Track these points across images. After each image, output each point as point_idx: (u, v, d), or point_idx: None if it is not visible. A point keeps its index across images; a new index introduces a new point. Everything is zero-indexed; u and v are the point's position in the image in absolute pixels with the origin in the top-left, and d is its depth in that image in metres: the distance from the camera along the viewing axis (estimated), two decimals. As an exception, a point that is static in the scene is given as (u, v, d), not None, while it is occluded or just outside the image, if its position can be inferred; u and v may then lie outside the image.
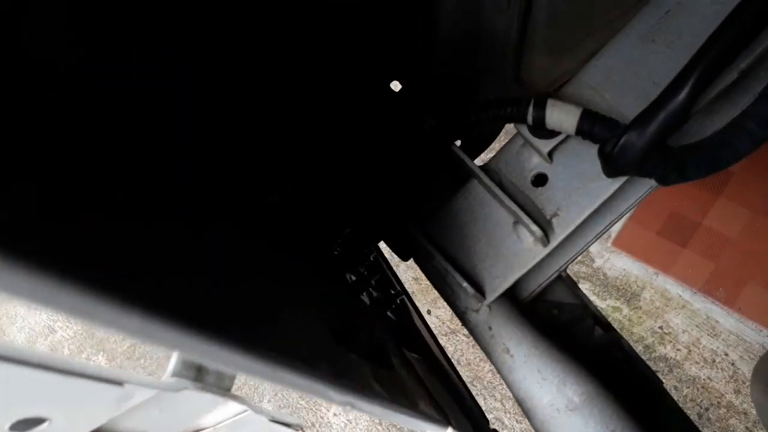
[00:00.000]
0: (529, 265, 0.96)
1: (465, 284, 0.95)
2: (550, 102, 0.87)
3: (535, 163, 0.99)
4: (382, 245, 1.45)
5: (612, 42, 0.97)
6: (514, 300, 1.01)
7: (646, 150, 0.79)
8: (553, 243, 0.95)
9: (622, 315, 2.59)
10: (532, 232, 0.95)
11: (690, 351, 2.41)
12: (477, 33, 1.28)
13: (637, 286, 2.59)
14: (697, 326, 2.44)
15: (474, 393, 2.72)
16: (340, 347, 0.61)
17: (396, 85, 1.54)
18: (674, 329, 2.47)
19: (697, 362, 2.39)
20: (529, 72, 1.39)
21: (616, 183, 0.93)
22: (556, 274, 1.10)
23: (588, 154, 0.96)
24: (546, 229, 0.95)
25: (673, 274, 2.53)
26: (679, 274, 2.52)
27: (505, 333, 0.95)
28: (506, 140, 1.08)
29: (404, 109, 1.33)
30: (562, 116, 0.87)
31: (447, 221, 1.04)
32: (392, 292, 1.19)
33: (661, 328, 2.50)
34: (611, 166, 0.83)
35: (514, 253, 0.98)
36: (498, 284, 0.97)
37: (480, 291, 0.97)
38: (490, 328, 0.97)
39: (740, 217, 2.48)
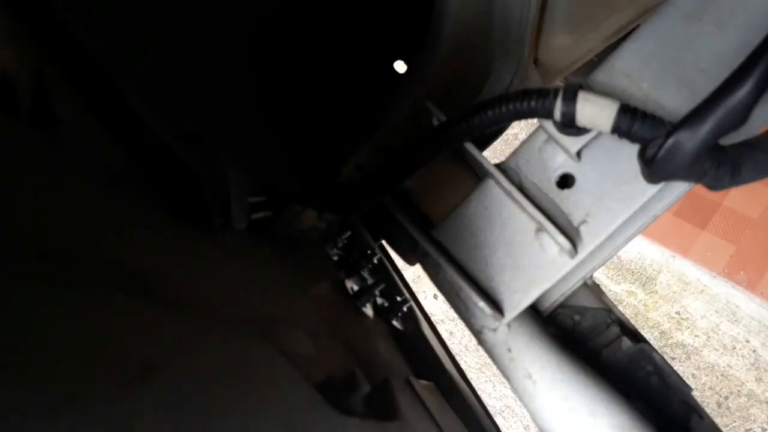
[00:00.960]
0: (554, 279, 0.85)
1: (481, 303, 0.84)
2: (581, 95, 0.75)
3: (561, 162, 0.87)
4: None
5: (649, 21, 0.84)
6: (535, 315, 0.90)
7: (698, 154, 0.67)
8: (582, 254, 0.84)
9: (637, 300, 2.49)
10: (557, 242, 0.84)
11: (709, 337, 2.32)
12: (490, 8, 1.15)
13: (653, 270, 2.48)
14: (716, 311, 2.33)
15: (483, 380, 2.64)
16: (332, 411, 0.50)
17: (401, 66, 1.42)
18: (692, 314, 2.37)
19: (716, 349, 2.29)
20: (547, 52, 1.26)
21: (655, 186, 0.81)
22: (580, 282, 0.99)
23: (622, 151, 0.84)
24: (573, 238, 0.83)
25: (691, 257, 2.42)
26: (698, 257, 2.41)
27: (527, 356, 0.84)
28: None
29: (406, 92, 1.21)
30: (595, 112, 0.74)
31: (459, 227, 0.92)
32: (398, 298, 1.09)
33: (678, 313, 2.39)
34: (655, 172, 0.71)
35: (536, 265, 0.86)
36: (518, 301, 0.86)
37: (498, 308, 0.86)
38: (510, 350, 0.86)
39: (763, 196, 2.35)
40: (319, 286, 0.86)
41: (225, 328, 0.51)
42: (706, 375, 2.27)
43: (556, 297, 0.99)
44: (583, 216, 0.85)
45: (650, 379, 1.02)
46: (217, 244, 0.62)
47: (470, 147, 0.87)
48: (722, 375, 2.25)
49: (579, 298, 1.07)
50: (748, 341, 2.28)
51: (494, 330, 0.87)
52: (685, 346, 2.36)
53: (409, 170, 0.88)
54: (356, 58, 1.43)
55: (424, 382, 0.90)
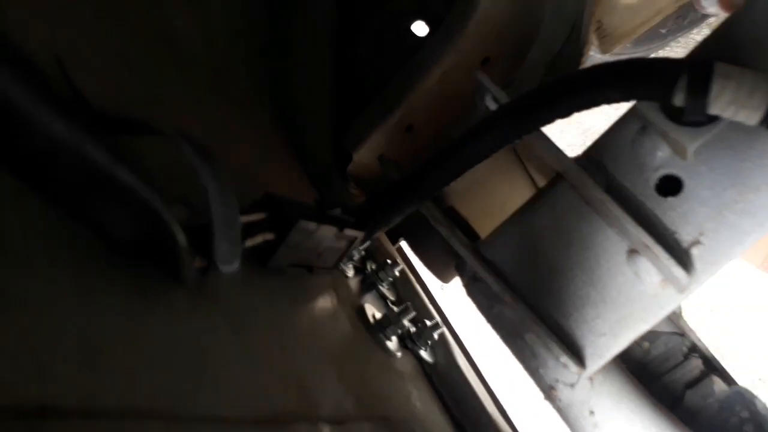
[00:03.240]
0: (655, 320, 0.64)
1: (557, 351, 0.62)
2: (721, 70, 0.52)
3: (662, 160, 0.64)
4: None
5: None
6: (622, 364, 0.69)
7: None
8: (693, 286, 0.62)
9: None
10: (661, 270, 0.62)
11: None
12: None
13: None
14: None
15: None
16: None
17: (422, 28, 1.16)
18: None
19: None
20: (611, 11, 1.02)
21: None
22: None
23: (751, 147, 0.61)
24: (685, 263, 0.61)
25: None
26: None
27: (616, 422, 0.63)
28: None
29: (430, 60, 0.97)
30: (740, 96, 0.52)
31: (518, 244, 0.70)
32: (428, 323, 0.87)
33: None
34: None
35: (629, 299, 0.64)
36: (605, 346, 0.64)
37: (577, 356, 0.64)
38: (593, 413, 0.65)
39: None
40: (336, 326, 0.64)
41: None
42: None
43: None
44: (695, 234, 0.62)
45: (744, 427, 0.82)
46: (192, 305, 0.40)
47: (542, 136, 0.64)
48: None
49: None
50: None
51: (572, 386, 0.65)
52: None
53: (458, 171, 0.65)
54: (357, 17, 1.17)
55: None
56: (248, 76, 0.97)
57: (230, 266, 0.42)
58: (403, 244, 1.07)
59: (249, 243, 0.49)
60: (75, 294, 0.29)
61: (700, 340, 0.92)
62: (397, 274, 0.90)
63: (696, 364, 0.86)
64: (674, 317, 0.88)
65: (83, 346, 0.28)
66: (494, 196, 0.93)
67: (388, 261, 0.90)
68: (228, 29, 0.95)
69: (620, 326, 0.64)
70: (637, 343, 0.90)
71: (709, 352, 0.87)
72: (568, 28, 1.01)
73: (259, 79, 1.00)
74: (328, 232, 0.58)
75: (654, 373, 0.88)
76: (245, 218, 0.50)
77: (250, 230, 0.50)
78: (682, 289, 0.61)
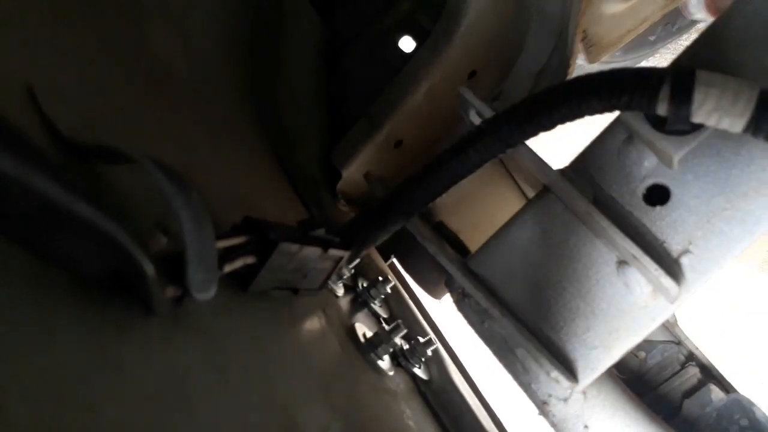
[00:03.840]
0: (646, 331, 0.63)
1: (548, 365, 0.61)
2: (702, 78, 0.52)
3: (649, 169, 0.64)
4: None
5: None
6: (615, 377, 0.68)
7: None
8: (684, 296, 0.61)
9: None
10: (650, 281, 0.61)
11: None
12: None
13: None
14: None
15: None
16: None
17: (409, 43, 1.16)
18: None
19: None
20: (596, 20, 1.02)
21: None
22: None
23: (738, 153, 0.61)
24: (675, 273, 0.60)
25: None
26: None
27: (612, 437, 0.62)
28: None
29: (417, 75, 0.97)
30: (723, 104, 0.51)
31: (507, 258, 0.69)
32: (421, 339, 0.86)
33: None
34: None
35: (620, 311, 0.63)
36: (596, 359, 0.63)
37: (569, 370, 0.63)
38: (587, 427, 0.63)
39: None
40: (324, 347, 0.63)
41: None
42: None
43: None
44: (685, 243, 0.62)
45: (744, 434, 0.80)
46: (167, 335, 0.39)
47: (527, 149, 0.64)
48: None
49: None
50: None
51: (565, 400, 0.64)
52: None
53: (443, 187, 0.65)
54: (345, 33, 1.17)
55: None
56: (233, 94, 0.97)
57: (205, 294, 0.41)
58: (395, 261, 1.06)
59: (228, 268, 0.48)
60: (36, 333, 0.29)
61: (697, 348, 0.90)
62: (388, 290, 0.89)
63: (693, 373, 0.85)
64: (669, 326, 0.88)
65: (43, 385, 0.27)
66: (484, 209, 0.92)
67: (380, 278, 0.89)
68: (211, 48, 0.95)
69: (612, 339, 0.63)
70: (632, 354, 0.89)
71: (706, 359, 0.86)
72: (554, 38, 1.01)
73: (245, 98, 1.00)
74: (311, 253, 0.57)
75: (650, 384, 0.87)
76: (224, 243, 0.49)
77: (229, 255, 0.49)
78: (672, 300, 0.61)
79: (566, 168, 0.68)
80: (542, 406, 0.65)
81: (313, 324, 0.64)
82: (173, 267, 0.40)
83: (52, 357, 0.29)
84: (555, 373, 0.62)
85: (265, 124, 1.06)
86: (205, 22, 0.97)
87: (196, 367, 0.39)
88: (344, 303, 0.82)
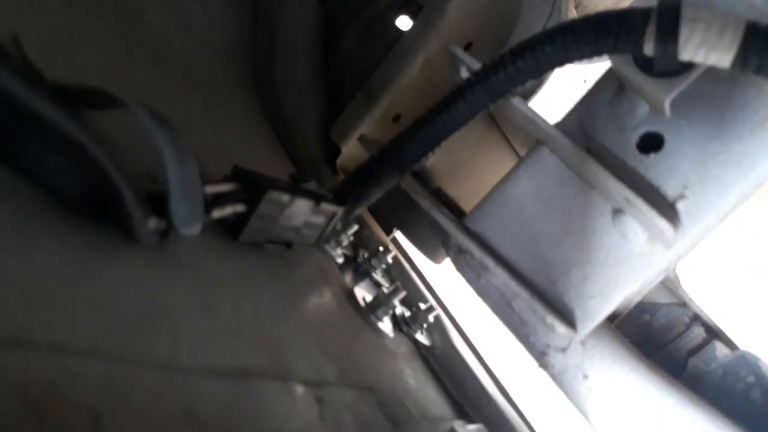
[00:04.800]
0: (643, 278, 0.62)
1: (546, 315, 0.61)
2: (687, 14, 0.51)
3: (641, 118, 0.63)
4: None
5: None
6: (613, 327, 0.67)
7: None
8: (682, 241, 0.61)
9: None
10: (648, 226, 0.60)
11: None
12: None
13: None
14: None
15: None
16: None
17: (406, 22, 1.16)
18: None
19: None
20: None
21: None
22: (664, 274, 0.76)
23: (731, 95, 0.60)
24: (671, 217, 0.60)
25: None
26: None
27: (611, 385, 0.61)
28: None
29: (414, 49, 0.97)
30: (710, 37, 0.51)
31: (502, 214, 0.69)
32: (422, 306, 0.85)
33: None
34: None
35: (617, 260, 0.63)
36: (595, 309, 0.63)
37: (568, 320, 0.63)
38: (587, 377, 0.63)
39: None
40: (320, 302, 0.63)
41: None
42: None
43: (633, 296, 0.77)
44: (680, 188, 0.61)
45: (751, 393, 0.79)
46: (151, 263, 0.39)
47: (518, 102, 0.64)
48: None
49: (648, 293, 0.84)
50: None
51: (563, 350, 0.64)
52: None
53: (434, 141, 0.65)
54: (342, 14, 1.18)
55: (471, 427, 0.68)
56: (231, 70, 0.97)
57: (189, 229, 0.41)
58: (397, 235, 1.06)
59: (217, 213, 0.49)
60: (15, 242, 0.29)
61: (702, 310, 0.90)
62: (390, 260, 0.89)
63: (698, 332, 0.84)
64: (672, 287, 0.87)
65: (17, 284, 0.27)
66: (481, 175, 0.92)
67: (381, 248, 0.89)
68: (209, 29, 0.96)
69: (609, 287, 0.62)
70: (637, 316, 0.89)
71: (711, 320, 0.85)
72: (549, 7, 1.01)
73: (243, 75, 1.01)
74: (303, 205, 0.57)
75: (656, 345, 0.86)
76: (213, 188, 0.49)
77: (219, 201, 0.50)
78: (669, 244, 0.60)
79: (559, 122, 0.67)
80: (541, 358, 0.65)
81: (310, 279, 0.65)
82: (158, 202, 0.40)
83: (30, 265, 0.29)
84: (550, 318, 0.62)
85: (264, 104, 1.06)
86: (204, 5, 0.98)
87: (183, 298, 0.40)
88: (346, 272, 0.82)
